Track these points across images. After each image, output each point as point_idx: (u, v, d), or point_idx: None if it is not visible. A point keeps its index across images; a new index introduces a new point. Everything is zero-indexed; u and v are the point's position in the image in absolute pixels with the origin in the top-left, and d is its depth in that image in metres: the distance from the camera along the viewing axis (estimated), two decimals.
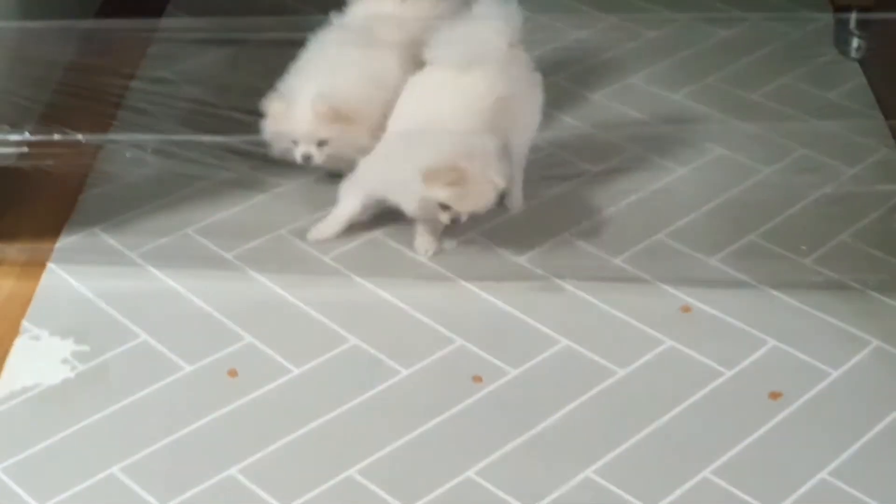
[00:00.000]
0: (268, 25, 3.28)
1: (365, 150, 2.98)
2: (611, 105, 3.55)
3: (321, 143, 2.99)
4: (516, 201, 3.09)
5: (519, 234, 3.05)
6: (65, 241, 3.00)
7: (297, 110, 2.96)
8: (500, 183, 2.84)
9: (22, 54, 2.79)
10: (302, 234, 3.03)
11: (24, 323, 2.76)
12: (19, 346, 2.71)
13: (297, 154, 3.01)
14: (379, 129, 2.99)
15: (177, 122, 3.11)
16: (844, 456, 2.46)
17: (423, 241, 2.98)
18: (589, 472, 2.42)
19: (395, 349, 2.71)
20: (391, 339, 2.74)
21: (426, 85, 2.96)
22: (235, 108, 3.10)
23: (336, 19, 3.16)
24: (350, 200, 3.00)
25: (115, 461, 2.42)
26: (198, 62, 3.37)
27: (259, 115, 3.00)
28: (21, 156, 2.85)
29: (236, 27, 3.18)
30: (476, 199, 2.84)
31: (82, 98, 2.98)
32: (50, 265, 2.92)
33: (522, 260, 2.98)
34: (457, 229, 2.94)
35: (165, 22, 3.77)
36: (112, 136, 3.05)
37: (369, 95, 3.02)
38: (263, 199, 3.17)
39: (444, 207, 2.84)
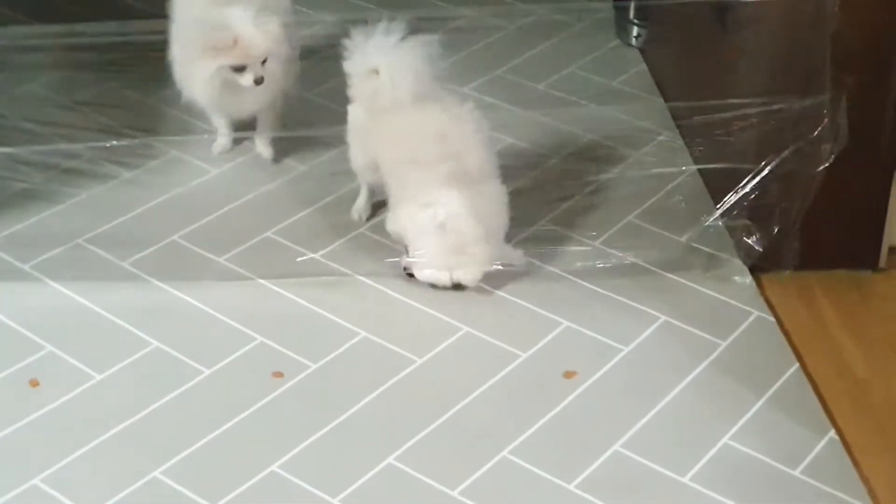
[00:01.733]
0: (49, 34, 3.25)
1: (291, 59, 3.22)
2: None
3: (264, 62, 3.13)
4: None
5: (311, 232, 3.10)
6: None
7: (250, 33, 3.08)
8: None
9: None
10: (98, 241, 3.03)
11: None
12: None
13: (248, 79, 3.11)
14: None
15: None
16: (636, 427, 2.56)
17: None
18: (391, 460, 2.48)
19: (197, 350, 2.74)
20: (192, 341, 2.77)
21: None
22: (25, 118, 3.07)
23: None
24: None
25: None
26: None
27: (49, 125, 2.99)
28: None
29: (22, 35, 3.15)
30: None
31: None
32: None
33: (318, 256, 3.02)
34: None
35: None
36: None
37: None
38: (60, 209, 3.16)
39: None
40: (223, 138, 3.39)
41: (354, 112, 3.04)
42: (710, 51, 3.22)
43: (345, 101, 3.07)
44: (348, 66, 2.95)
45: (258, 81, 3.11)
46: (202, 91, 3.17)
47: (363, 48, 2.91)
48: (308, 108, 3.49)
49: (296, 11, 3.43)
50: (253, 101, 3.23)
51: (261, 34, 3.10)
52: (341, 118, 3.11)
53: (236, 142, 3.42)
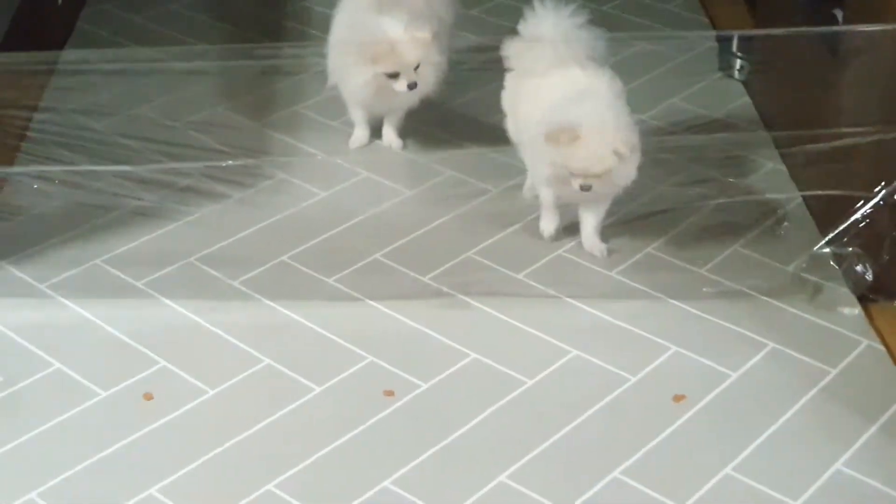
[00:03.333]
0: (169, 56, 3.32)
1: (440, 66, 3.37)
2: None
3: (417, 68, 3.32)
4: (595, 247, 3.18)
5: (423, 255, 3.12)
6: None
7: (405, 42, 3.27)
8: (621, 148, 2.91)
9: None
10: (209, 260, 3.08)
11: None
12: None
13: (403, 85, 3.30)
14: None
15: (83, 154, 3.13)
16: (746, 452, 2.55)
17: (545, 222, 3.15)
18: (503, 478, 2.48)
19: (308, 368, 2.76)
20: (303, 359, 2.79)
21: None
22: (141, 138, 3.12)
23: None
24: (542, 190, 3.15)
25: (33, 486, 2.45)
26: (101, 93, 3.41)
27: (163, 144, 3.05)
28: None
29: (138, 58, 3.22)
30: (591, 160, 2.92)
31: None
32: None
33: (427, 278, 3.05)
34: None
35: (67, 54, 3.81)
36: (17, 168, 3.07)
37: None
38: (173, 228, 3.21)
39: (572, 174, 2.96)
40: (361, 132, 3.55)
41: (509, 80, 3.23)
42: (818, 81, 3.21)
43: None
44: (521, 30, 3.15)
45: (411, 87, 3.29)
46: (358, 95, 3.39)
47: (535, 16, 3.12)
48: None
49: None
50: (402, 102, 3.41)
51: (413, 42, 3.27)
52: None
53: (337, 165, 3.45)
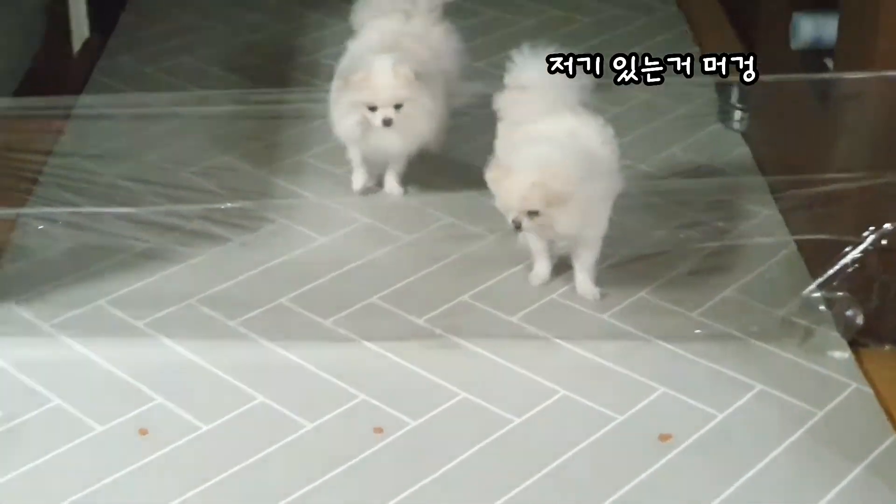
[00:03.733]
0: (184, 100, 3.40)
1: (430, 118, 3.41)
2: None
3: (397, 107, 3.35)
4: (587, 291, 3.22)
5: (418, 298, 3.18)
6: None
7: (378, 76, 3.34)
8: (545, 183, 2.94)
9: None
10: (209, 302, 3.15)
11: None
12: None
13: (378, 119, 3.35)
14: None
15: (92, 197, 3.21)
16: (730, 489, 2.58)
17: (535, 268, 3.22)
18: None
19: (300, 405, 2.82)
20: (296, 396, 2.84)
21: None
22: (148, 182, 3.20)
23: (351, 43, 3.58)
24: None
25: None
26: (113, 139, 3.49)
27: (172, 188, 3.13)
28: None
29: (150, 103, 3.30)
30: (513, 196, 2.98)
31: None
32: None
33: (421, 321, 3.10)
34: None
35: (84, 99, 3.90)
36: (25, 210, 3.15)
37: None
38: (175, 271, 3.28)
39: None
40: (358, 174, 3.62)
41: (501, 129, 3.26)
42: (810, 128, 3.26)
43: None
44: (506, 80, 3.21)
45: (385, 123, 3.34)
46: (338, 122, 3.44)
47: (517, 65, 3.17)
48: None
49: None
50: (388, 144, 3.45)
51: (394, 76, 3.32)
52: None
53: (337, 211, 3.52)
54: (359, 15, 3.72)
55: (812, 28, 3.35)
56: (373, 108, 3.36)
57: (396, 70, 3.34)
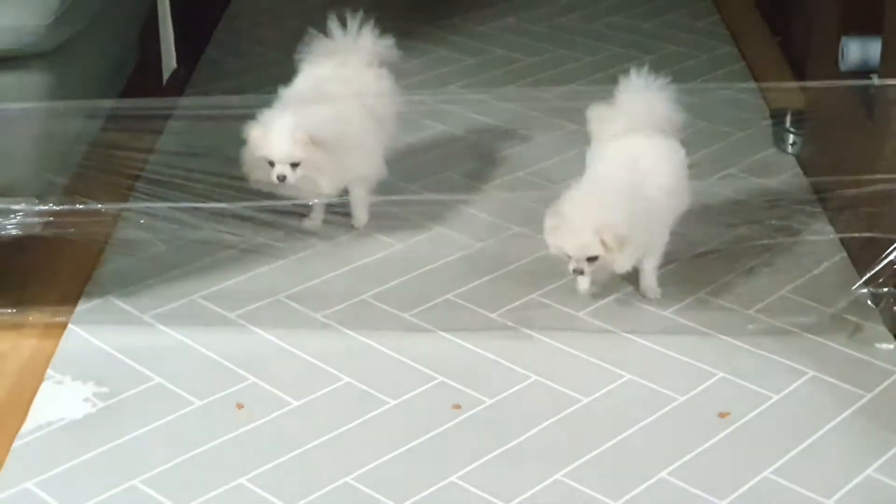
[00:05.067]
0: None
1: (331, 178, 3.47)
2: None
3: (294, 165, 3.41)
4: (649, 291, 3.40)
5: (491, 296, 3.40)
6: (83, 306, 3.33)
7: (274, 135, 3.41)
8: (603, 232, 3.09)
9: (50, 131, 3.14)
10: (298, 298, 3.37)
11: (48, 371, 3.08)
12: (44, 389, 3.02)
13: (273, 174, 3.41)
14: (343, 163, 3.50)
15: (192, 193, 3.43)
16: (785, 459, 2.77)
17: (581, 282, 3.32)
18: (558, 476, 2.73)
19: (383, 385, 3.03)
20: (379, 378, 3.06)
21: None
22: (241, 178, 3.44)
23: (283, 90, 3.63)
24: None
25: (136, 475, 2.73)
26: (213, 137, 3.75)
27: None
28: (46, 224, 3.18)
29: (251, 104, 3.54)
30: (572, 240, 3.13)
31: (104, 171, 3.33)
32: (70, 326, 3.25)
33: (495, 315, 3.32)
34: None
35: (184, 101, 4.19)
36: (129, 204, 3.39)
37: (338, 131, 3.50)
38: (264, 270, 3.51)
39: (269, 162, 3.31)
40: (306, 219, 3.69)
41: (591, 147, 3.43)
42: (858, 138, 3.48)
43: None
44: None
45: (279, 179, 3.41)
46: (250, 172, 3.49)
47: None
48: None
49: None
50: (296, 192, 3.50)
51: (282, 140, 3.41)
52: None
53: (415, 223, 3.74)
54: (303, 60, 3.75)
55: (859, 51, 3.57)
56: (272, 164, 3.43)
57: (293, 132, 3.40)
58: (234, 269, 3.50)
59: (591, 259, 3.15)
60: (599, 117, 3.42)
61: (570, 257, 3.17)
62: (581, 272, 3.18)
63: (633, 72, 3.42)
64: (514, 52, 5.05)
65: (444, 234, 3.71)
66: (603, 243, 3.11)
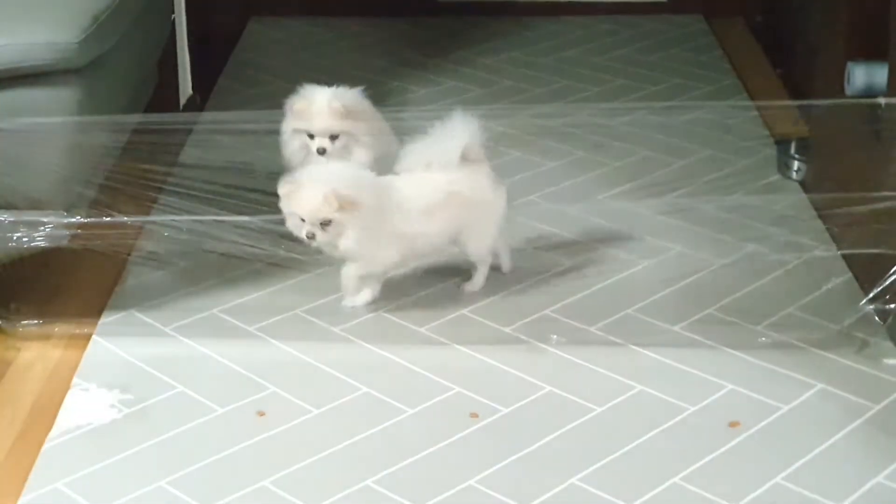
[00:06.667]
0: None
1: (371, 145, 3.64)
2: (589, 218, 3.98)
3: (333, 138, 3.59)
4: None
5: (505, 312, 3.47)
6: (107, 319, 3.41)
7: (315, 107, 3.59)
8: (333, 195, 3.21)
9: (79, 145, 3.22)
10: (316, 313, 3.45)
11: (75, 379, 3.15)
12: (71, 396, 3.09)
13: (314, 147, 3.60)
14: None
15: (215, 206, 3.50)
16: (795, 466, 2.84)
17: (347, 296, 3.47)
18: (574, 480, 2.80)
19: (401, 395, 3.10)
20: (397, 388, 3.13)
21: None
22: (268, 192, 3.51)
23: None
24: None
25: (163, 476, 2.79)
26: (234, 151, 3.82)
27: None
28: (73, 237, 3.26)
29: (269, 119, 3.64)
30: (304, 202, 3.24)
31: (130, 184, 3.41)
32: (94, 337, 3.32)
33: (508, 329, 3.39)
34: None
35: (206, 115, 4.29)
36: (154, 217, 3.47)
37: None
38: (282, 287, 3.59)
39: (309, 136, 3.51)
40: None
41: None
42: (864, 160, 3.56)
43: None
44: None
45: (319, 152, 3.59)
46: (283, 146, 3.68)
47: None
48: None
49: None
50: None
51: (325, 109, 3.59)
52: None
53: None
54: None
55: (865, 75, 3.66)
56: (311, 136, 3.62)
57: (331, 103, 3.60)
58: (254, 284, 3.59)
59: (325, 224, 3.26)
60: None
61: (303, 221, 3.27)
62: (313, 236, 3.28)
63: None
64: (521, 82, 5.14)
65: (457, 253, 3.77)
66: (331, 203, 3.22)
